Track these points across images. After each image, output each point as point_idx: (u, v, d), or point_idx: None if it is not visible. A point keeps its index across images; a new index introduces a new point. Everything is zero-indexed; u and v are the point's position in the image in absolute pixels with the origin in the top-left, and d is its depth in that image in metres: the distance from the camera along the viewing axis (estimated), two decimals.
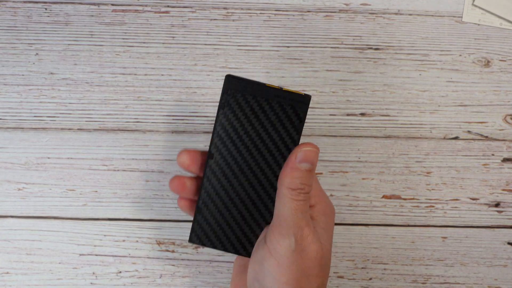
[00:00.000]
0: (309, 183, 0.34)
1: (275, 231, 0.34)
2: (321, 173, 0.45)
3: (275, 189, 0.36)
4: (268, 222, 0.36)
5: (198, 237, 0.37)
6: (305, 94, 0.35)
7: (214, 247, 0.37)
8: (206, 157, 0.37)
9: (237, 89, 0.35)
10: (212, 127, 0.36)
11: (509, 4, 0.46)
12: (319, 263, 0.34)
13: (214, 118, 0.38)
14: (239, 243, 0.37)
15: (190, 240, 0.37)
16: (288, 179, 0.34)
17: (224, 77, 0.35)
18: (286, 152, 0.36)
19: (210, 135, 0.45)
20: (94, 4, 0.45)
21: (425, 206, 0.45)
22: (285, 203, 0.34)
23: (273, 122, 0.35)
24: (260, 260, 0.34)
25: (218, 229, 0.37)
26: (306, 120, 0.45)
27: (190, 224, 0.43)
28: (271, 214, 0.36)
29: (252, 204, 0.37)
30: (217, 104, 0.45)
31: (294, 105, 0.35)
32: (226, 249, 0.37)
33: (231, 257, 0.44)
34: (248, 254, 0.37)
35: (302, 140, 0.45)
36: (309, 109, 0.45)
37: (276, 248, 0.33)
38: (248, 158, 0.36)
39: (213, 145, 0.36)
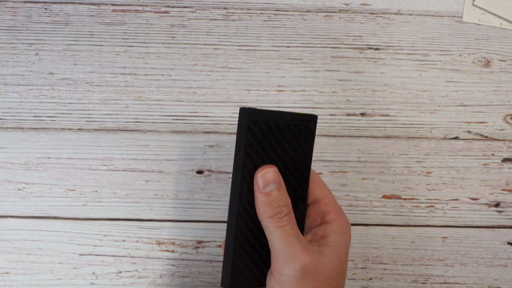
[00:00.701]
0: (283, 203, 0.34)
1: (275, 262, 0.34)
2: (321, 173, 0.45)
3: (304, 204, 0.36)
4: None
5: (239, 281, 0.35)
6: (313, 114, 0.35)
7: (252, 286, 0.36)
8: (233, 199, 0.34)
9: (253, 121, 0.33)
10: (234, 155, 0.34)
11: (509, 4, 0.46)
12: (326, 281, 0.34)
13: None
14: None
15: (231, 287, 0.35)
16: (262, 209, 0.34)
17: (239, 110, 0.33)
18: (305, 171, 0.35)
19: (210, 135, 0.45)
20: (94, 4, 0.45)
21: (425, 206, 0.45)
22: (273, 233, 0.33)
23: (292, 145, 0.35)
24: None
25: (255, 268, 0.36)
26: None
27: (190, 224, 0.43)
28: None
29: None
30: (217, 104, 0.45)
31: (306, 125, 0.35)
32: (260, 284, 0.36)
33: None
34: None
35: None
36: (309, 109, 0.45)
37: (281, 279, 0.33)
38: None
39: (243, 180, 0.34)
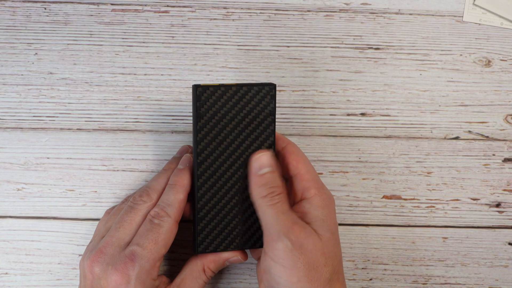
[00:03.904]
0: (276, 184, 0.36)
1: (268, 239, 0.35)
2: (321, 173, 0.45)
3: None
4: None
5: (207, 245, 0.38)
6: (269, 83, 0.37)
7: (226, 249, 0.38)
8: (191, 166, 0.38)
9: (208, 97, 0.36)
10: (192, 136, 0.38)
11: (510, 3, 0.46)
12: (322, 253, 0.35)
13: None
14: (248, 237, 0.38)
15: (198, 252, 0.38)
16: (256, 190, 0.36)
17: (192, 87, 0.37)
18: (265, 139, 0.37)
19: None
20: (93, 3, 0.45)
21: (425, 207, 0.45)
22: (264, 212, 0.35)
23: (249, 116, 0.37)
24: (267, 269, 0.35)
25: (224, 231, 0.38)
26: (306, 120, 0.45)
27: (190, 224, 0.43)
28: None
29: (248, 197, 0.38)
30: None
31: (263, 94, 0.37)
32: (239, 247, 0.38)
33: None
34: (261, 245, 0.37)
35: (298, 139, 0.45)
36: (309, 109, 0.45)
37: (275, 254, 0.34)
38: (235, 153, 0.37)
39: (199, 151, 0.37)
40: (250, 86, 0.37)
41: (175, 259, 0.44)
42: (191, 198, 0.39)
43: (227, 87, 0.36)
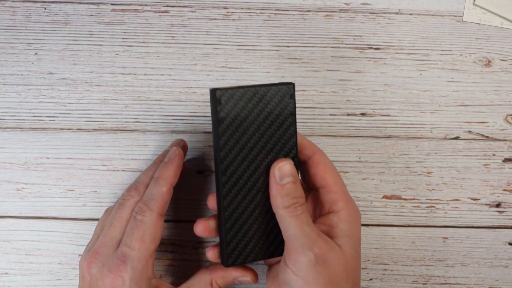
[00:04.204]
0: (298, 194, 0.34)
1: (291, 252, 0.34)
2: None
3: None
4: None
5: (236, 257, 0.36)
6: (288, 82, 0.36)
7: (253, 260, 0.37)
8: (215, 174, 0.36)
9: (227, 100, 0.35)
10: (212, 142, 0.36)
11: (510, 3, 0.46)
12: (344, 269, 0.34)
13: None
14: (268, 246, 0.37)
15: (229, 264, 0.36)
16: (279, 200, 0.34)
17: (210, 91, 0.35)
18: (287, 140, 0.36)
19: (210, 135, 0.45)
20: (93, 3, 0.45)
21: (425, 207, 0.45)
22: (288, 223, 0.34)
23: (270, 117, 0.36)
24: (287, 282, 0.34)
25: (251, 242, 0.37)
26: (306, 120, 0.45)
27: (190, 224, 0.43)
28: None
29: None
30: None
31: (282, 96, 0.36)
32: (263, 257, 0.37)
33: None
34: (280, 253, 0.37)
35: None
36: (309, 109, 0.45)
37: (298, 267, 0.33)
38: (258, 157, 0.36)
39: (222, 157, 0.35)
40: (269, 86, 0.35)
41: (175, 259, 0.44)
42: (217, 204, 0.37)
43: (245, 88, 0.35)
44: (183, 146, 0.41)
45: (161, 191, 0.37)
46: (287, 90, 0.36)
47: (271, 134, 0.36)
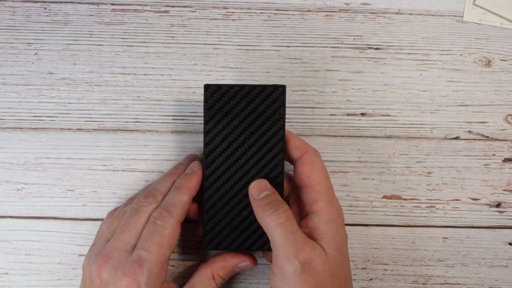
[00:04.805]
0: (279, 201, 0.36)
1: (277, 261, 0.34)
2: None
3: (275, 176, 0.38)
4: None
5: (216, 244, 0.38)
6: (280, 84, 0.38)
7: (235, 249, 0.38)
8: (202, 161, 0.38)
9: (219, 97, 0.37)
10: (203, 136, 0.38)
11: (510, 3, 0.46)
12: (329, 274, 0.34)
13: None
14: (256, 239, 0.38)
15: (206, 248, 0.38)
16: (260, 211, 0.36)
17: (203, 87, 0.37)
18: (276, 143, 0.38)
19: None
20: (93, 3, 0.45)
21: (425, 207, 0.45)
22: (273, 232, 0.35)
23: (260, 117, 0.37)
24: None
25: (232, 232, 0.38)
26: (306, 120, 0.45)
27: (190, 225, 0.43)
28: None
29: None
30: None
31: (273, 97, 0.37)
32: (248, 248, 0.38)
33: None
34: (268, 247, 0.37)
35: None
36: (309, 109, 0.45)
37: (284, 276, 0.34)
38: (245, 155, 0.38)
39: (207, 151, 0.37)
40: (262, 87, 0.37)
41: (178, 259, 0.44)
42: (199, 199, 0.39)
43: (239, 87, 0.37)
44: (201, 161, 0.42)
45: (183, 199, 0.37)
46: (279, 92, 0.37)
47: (261, 133, 0.37)
